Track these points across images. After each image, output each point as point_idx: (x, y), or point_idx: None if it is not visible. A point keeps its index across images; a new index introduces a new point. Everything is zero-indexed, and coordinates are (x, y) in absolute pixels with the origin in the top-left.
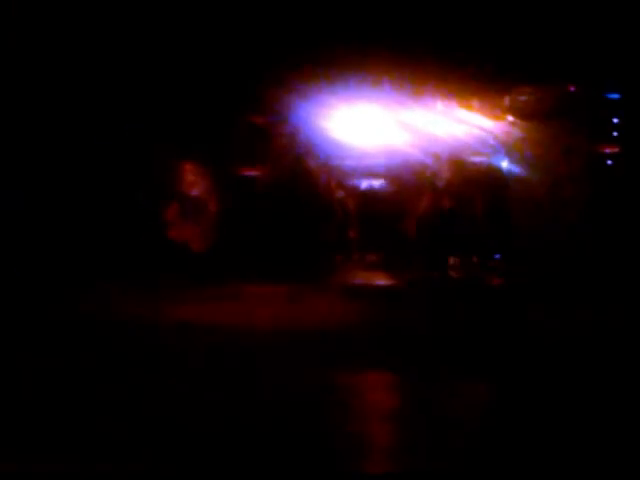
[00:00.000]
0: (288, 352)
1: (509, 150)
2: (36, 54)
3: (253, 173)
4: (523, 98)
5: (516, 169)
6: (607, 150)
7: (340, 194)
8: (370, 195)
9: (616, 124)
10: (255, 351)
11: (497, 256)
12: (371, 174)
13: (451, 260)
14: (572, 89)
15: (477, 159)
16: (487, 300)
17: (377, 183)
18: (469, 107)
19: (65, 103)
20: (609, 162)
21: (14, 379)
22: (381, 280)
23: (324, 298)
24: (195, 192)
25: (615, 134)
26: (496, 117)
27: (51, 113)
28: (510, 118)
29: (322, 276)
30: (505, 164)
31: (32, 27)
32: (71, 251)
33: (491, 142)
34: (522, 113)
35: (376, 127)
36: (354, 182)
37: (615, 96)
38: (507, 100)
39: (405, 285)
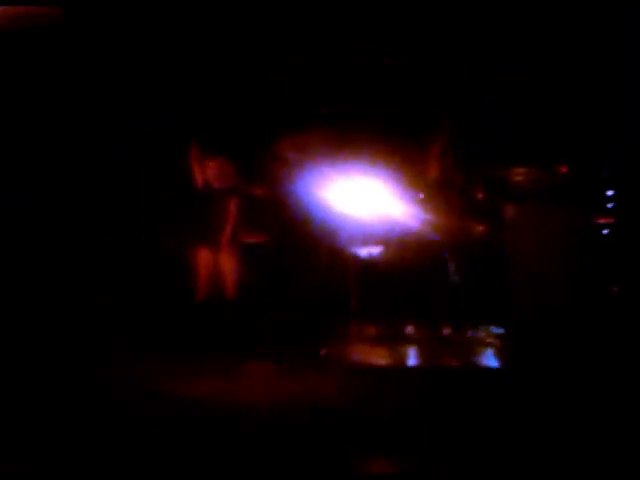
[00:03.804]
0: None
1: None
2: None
3: (253, 242)
4: (518, 179)
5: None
6: (602, 221)
7: (341, 262)
8: (370, 263)
9: (610, 196)
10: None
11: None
12: (371, 242)
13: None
14: (564, 170)
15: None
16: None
17: (376, 251)
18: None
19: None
20: (604, 232)
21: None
22: (381, 357)
23: (322, 377)
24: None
25: (609, 206)
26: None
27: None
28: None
29: (319, 350)
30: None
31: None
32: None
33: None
34: (516, 193)
35: (374, 197)
36: (354, 250)
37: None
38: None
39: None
